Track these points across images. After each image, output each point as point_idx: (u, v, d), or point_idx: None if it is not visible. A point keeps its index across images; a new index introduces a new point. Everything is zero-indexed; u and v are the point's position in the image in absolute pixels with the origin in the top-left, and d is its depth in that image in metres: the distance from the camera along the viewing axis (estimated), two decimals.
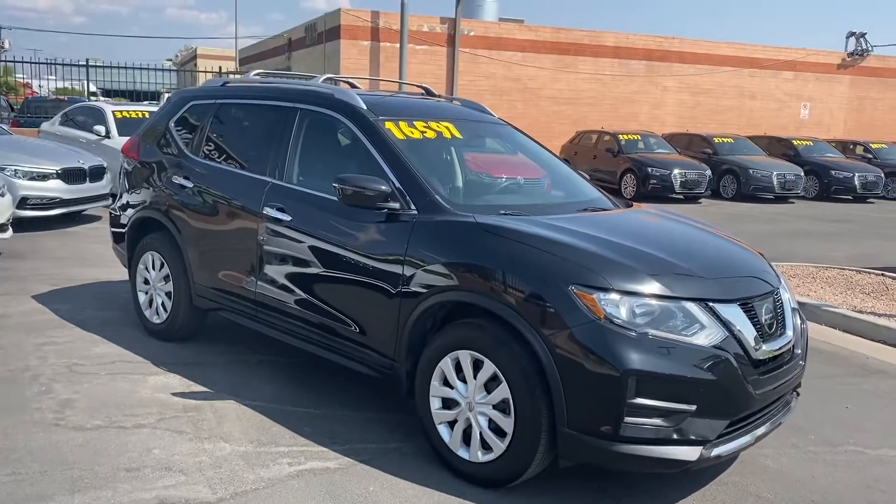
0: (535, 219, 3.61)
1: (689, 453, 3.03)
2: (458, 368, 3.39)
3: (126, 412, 3.95)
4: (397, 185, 3.73)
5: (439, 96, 5.16)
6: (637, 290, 3.08)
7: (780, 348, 3.37)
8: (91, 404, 4.02)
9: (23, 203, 8.86)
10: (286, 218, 4.14)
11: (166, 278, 5.05)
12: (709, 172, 17.37)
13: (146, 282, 5.25)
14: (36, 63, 20.18)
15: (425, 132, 4.14)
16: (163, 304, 5.11)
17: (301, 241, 4.06)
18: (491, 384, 3.27)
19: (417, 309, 3.50)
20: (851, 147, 22.15)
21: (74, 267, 7.18)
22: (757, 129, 23.33)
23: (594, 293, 3.03)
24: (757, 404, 3.23)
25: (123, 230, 5.42)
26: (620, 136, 18.55)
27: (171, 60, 69.93)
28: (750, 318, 3.24)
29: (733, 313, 3.18)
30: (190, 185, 4.82)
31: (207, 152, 4.87)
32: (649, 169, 17.03)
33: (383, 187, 3.64)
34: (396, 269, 3.59)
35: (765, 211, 16.26)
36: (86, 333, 5.23)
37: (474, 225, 3.46)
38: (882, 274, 8.42)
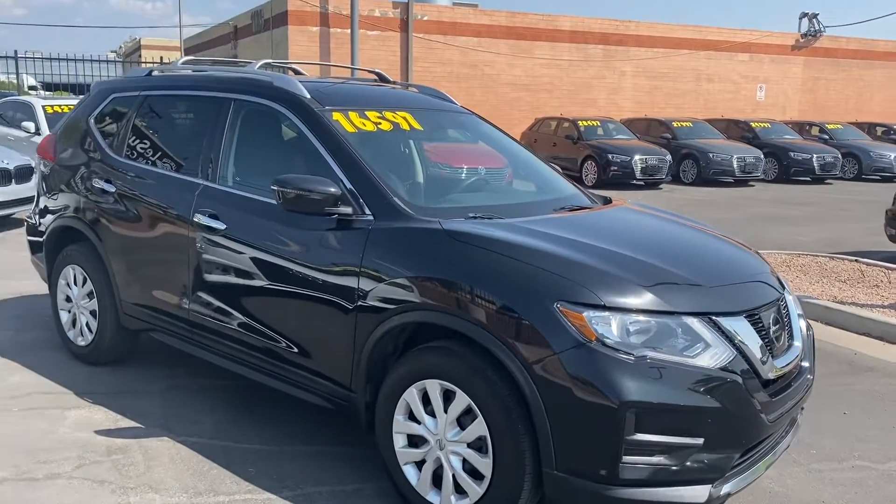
0: (509, 222, 3.14)
1: (697, 494, 2.60)
2: (426, 400, 2.90)
3: (39, 458, 3.38)
4: (348, 186, 3.22)
5: (394, 83, 4.64)
6: (632, 305, 2.63)
7: (789, 363, 2.96)
8: None
9: None
10: (220, 226, 3.60)
11: (90, 295, 4.46)
12: (669, 158, 17.14)
13: (68, 299, 4.65)
14: None
15: (380, 123, 3.62)
16: (87, 324, 4.52)
17: (239, 253, 3.53)
18: (465, 419, 2.80)
19: (377, 331, 3.01)
20: (808, 128, 22.18)
21: (2, 279, 6.49)
22: (714, 112, 23.25)
23: (583, 311, 2.57)
24: (769, 430, 2.82)
25: (41, 240, 4.80)
26: (580, 123, 18.20)
27: (115, 52, 67.65)
28: (758, 332, 2.82)
29: (740, 327, 2.75)
30: (112, 189, 4.24)
31: (131, 152, 4.28)
32: (610, 156, 16.73)
33: (332, 189, 3.13)
34: (351, 284, 3.08)
35: (726, 195, 16.08)
36: (1, 360, 4.61)
37: (440, 232, 2.97)
38: (856, 260, 8.17)
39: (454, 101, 4.51)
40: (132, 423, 3.79)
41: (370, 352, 3.04)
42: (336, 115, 3.52)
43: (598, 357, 2.53)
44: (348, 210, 3.16)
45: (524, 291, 2.68)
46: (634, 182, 16.75)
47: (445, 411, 2.84)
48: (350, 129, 3.48)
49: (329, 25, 18.50)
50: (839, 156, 19.42)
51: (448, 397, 2.83)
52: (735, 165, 17.74)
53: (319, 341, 3.27)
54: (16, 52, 15.59)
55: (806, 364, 3.16)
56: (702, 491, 2.60)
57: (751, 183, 18.61)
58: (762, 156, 18.36)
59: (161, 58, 25.16)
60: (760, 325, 2.86)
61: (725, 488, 2.67)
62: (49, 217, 4.71)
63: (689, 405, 2.56)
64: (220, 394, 4.17)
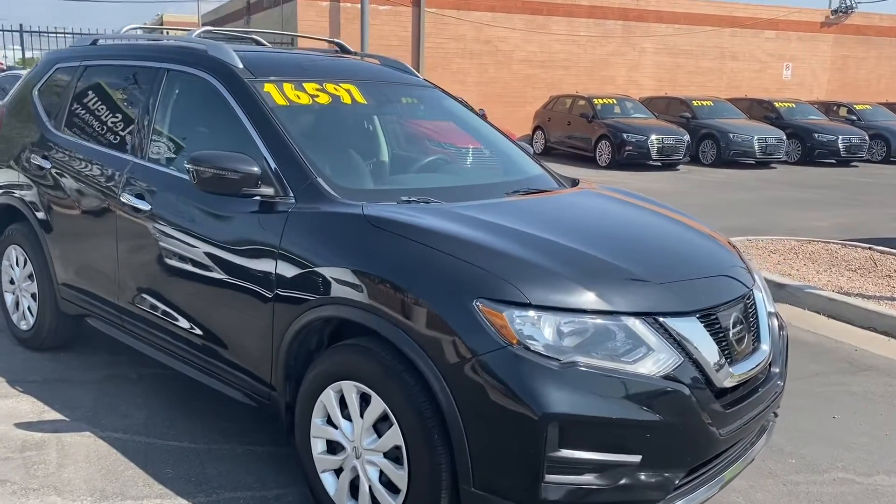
0: (442, 208, 2.82)
1: None
2: (344, 403, 2.62)
3: None
4: (272, 164, 2.92)
5: (355, 54, 4.31)
6: (564, 304, 2.31)
7: (752, 369, 2.62)
8: None
9: None
10: (145, 206, 3.33)
11: (30, 277, 4.23)
12: (687, 138, 16.60)
13: (12, 281, 4.43)
14: None
15: (317, 96, 3.31)
16: (29, 307, 4.29)
17: (164, 236, 3.25)
18: (382, 425, 2.51)
19: (294, 324, 2.72)
20: (835, 108, 21.39)
21: None
22: (738, 92, 22.55)
23: (505, 310, 2.26)
24: (722, 445, 2.49)
25: None
26: (595, 101, 17.69)
27: (142, 29, 67.58)
28: (713, 334, 2.49)
29: (691, 329, 2.42)
30: (48, 165, 3.99)
31: (68, 126, 4.02)
32: (625, 135, 16.23)
33: (252, 168, 2.83)
34: (269, 272, 2.79)
35: (745, 177, 15.54)
36: None
37: (359, 218, 2.66)
38: (869, 247, 7.72)
39: (416, 73, 4.18)
40: (57, 416, 3.56)
41: (288, 347, 2.76)
42: (268, 87, 3.22)
43: (519, 362, 2.22)
44: (270, 191, 2.87)
45: (442, 286, 2.37)
46: (650, 163, 16.26)
47: (361, 416, 2.55)
48: (281, 101, 3.18)
49: (339, 0, 18.12)
50: (866, 137, 18.70)
51: (365, 401, 2.55)
52: (756, 146, 17.14)
53: (240, 334, 2.99)
54: (21, 25, 15.45)
55: (776, 370, 2.83)
56: None
57: (772, 165, 18.00)
58: (784, 137, 17.73)
59: (165, 33, 24.86)
60: (717, 326, 2.52)
61: None
62: None
63: (624, 418, 2.24)
64: (158, 385, 3.92)
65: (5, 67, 17.90)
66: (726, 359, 2.51)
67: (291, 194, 2.85)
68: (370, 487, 2.56)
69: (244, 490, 2.99)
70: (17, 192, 4.22)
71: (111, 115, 3.84)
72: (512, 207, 3.04)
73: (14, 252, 4.34)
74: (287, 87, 3.27)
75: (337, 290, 2.58)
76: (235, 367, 3.04)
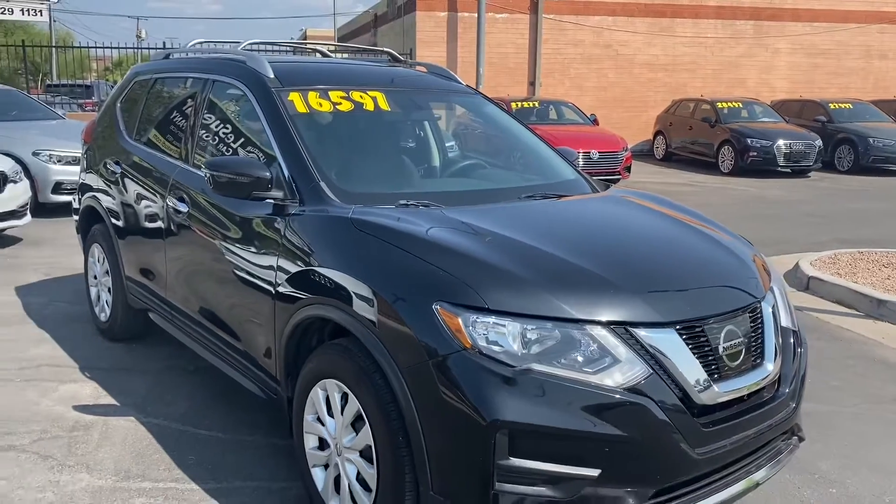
0: (433, 212, 2.84)
1: None
2: (330, 401, 2.70)
3: (7, 429, 3.51)
4: (284, 169, 3.06)
5: (404, 62, 4.41)
6: (525, 310, 2.27)
7: (746, 386, 2.46)
8: None
9: (57, 188, 8.81)
10: (184, 209, 3.57)
11: (107, 272, 4.62)
12: (819, 142, 15.52)
13: (95, 276, 4.85)
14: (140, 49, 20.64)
15: (339, 104, 3.41)
16: (106, 300, 4.69)
17: (197, 236, 3.48)
18: (358, 424, 2.57)
19: (291, 321, 2.83)
20: None
21: (78, 255, 6.89)
22: (886, 93, 20.79)
23: (461, 314, 2.25)
24: (702, 466, 2.35)
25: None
26: (719, 105, 16.90)
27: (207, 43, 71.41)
28: (696, 348, 2.36)
29: (666, 341, 2.31)
30: (119, 170, 4.35)
31: (137, 134, 4.37)
32: (749, 140, 15.41)
33: (262, 173, 2.98)
34: (272, 271, 2.93)
35: (884, 186, 14.32)
36: (37, 331, 4.89)
37: (346, 221, 2.73)
38: None
39: (460, 80, 4.21)
40: (110, 401, 3.86)
41: (286, 343, 2.88)
42: (292, 96, 3.36)
43: (473, 367, 2.21)
44: (279, 194, 3.00)
45: (407, 288, 2.39)
46: (777, 169, 15.33)
47: (342, 414, 2.62)
48: (302, 109, 3.31)
49: (457, 10, 18.35)
50: None
51: (345, 400, 2.61)
52: None
53: (252, 329, 3.15)
54: (164, 44, 16.75)
55: (785, 389, 2.63)
56: None
57: None
58: None
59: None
60: (703, 339, 2.39)
61: None
62: (83, 195, 4.92)
63: (581, 430, 2.17)
64: (209, 378, 4.16)
65: None
66: (713, 374, 2.38)
67: (298, 198, 2.96)
68: (349, 485, 2.61)
69: (253, 480, 3.13)
70: (98, 195, 4.62)
71: (167, 123, 4.14)
72: (512, 212, 3.01)
73: (96, 250, 4.75)
74: (312, 95, 3.40)
75: (323, 290, 2.66)
76: (250, 361, 3.20)
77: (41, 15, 25.05)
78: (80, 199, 5.00)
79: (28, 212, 7.53)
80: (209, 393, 3.98)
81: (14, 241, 7.66)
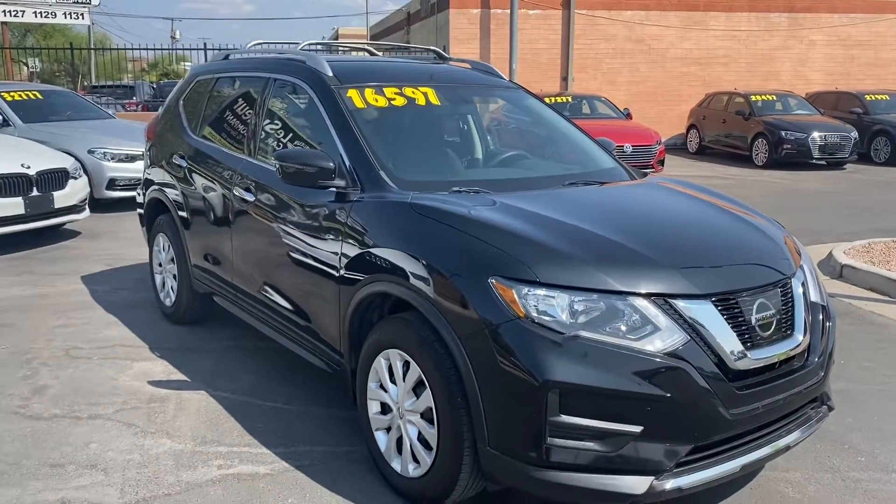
0: (485, 197, 3.08)
1: (635, 484, 2.44)
2: (392, 369, 2.96)
3: (91, 401, 3.84)
4: (346, 159, 3.33)
5: (450, 59, 4.66)
6: (571, 282, 2.51)
7: (777, 355, 2.67)
8: (62, 391, 3.95)
9: (111, 184, 9.23)
10: (250, 198, 3.86)
11: (172, 260, 4.94)
12: (854, 134, 15.45)
13: (160, 264, 5.18)
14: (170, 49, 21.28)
15: (393, 99, 3.68)
16: (171, 286, 5.02)
17: (261, 223, 3.77)
18: (419, 389, 2.83)
19: (355, 299, 3.10)
20: None
21: (136, 247, 7.29)
22: None
23: (514, 286, 2.50)
24: (737, 426, 2.57)
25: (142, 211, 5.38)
26: (753, 98, 16.88)
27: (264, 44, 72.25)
28: (731, 318, 2.58)
29: (703, 312, 2.53)
30: (185, 164, 4.66)
31: (202, 130, 4.67)
32: (783, 132, 15.39)
33: (326, 164, 3.25)
34: (336, 252, 3.20)
35: None
36: (106, 315, 5.25)
37: (406, 205, 3.00)
38: None
39: (502, 76, 4.45)
40: (181, 377, 4.18)
41: (350, 319, 3.14)
42: (351, 92, 3.63)
43: (526, 334, 2.45)
44: (342, 183, 3.27)
45: (466, 265, 2.65)
46: (812, 161, 15.31)
47: (404, 381, 2.88)
48: (360, 104, 3.58)
49: (490, 7, 18.54)
50: None
51: (407, 367, 2.87)
52: None
53: (318, 308, 3.42)
54: (204, 44, 17.23)
55: (815, 359, 2.83)
56: (640, 482, 2.44)
57: None
58: None
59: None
60: (737, 310, 2.61)
61: (674, 483, 2.47)
62: (146, 190, 5.26)
63: (624, 390, 2.41)
64: (270, 356, 4.46)
65: None
66: (746, 343, 2.59)
67: (359, 185, 3.23)
68: (410, 445, 2.88)
69: (319, 445, 3.41)
70: (164, 188, 4.95)
71: (231, 119, 4.44)
72: (556, 197, 3.24)
73: (161, 239, 5.08)
74: (368, 91, 3.67)
75: (385, 269, 2.92)
76: (315, 337, 3.48)
77: (83, 18, 25.73)
78: (144, 193, 5.32)
79: (87, 206, 7.93)
80: (270, 370, 4.27)
81: (74, 234, 8.08)
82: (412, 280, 2.77)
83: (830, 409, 3.05)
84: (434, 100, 3.80)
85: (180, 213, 4.71)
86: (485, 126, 4.22)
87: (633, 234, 2.78)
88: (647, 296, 2.51)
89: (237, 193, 3.98)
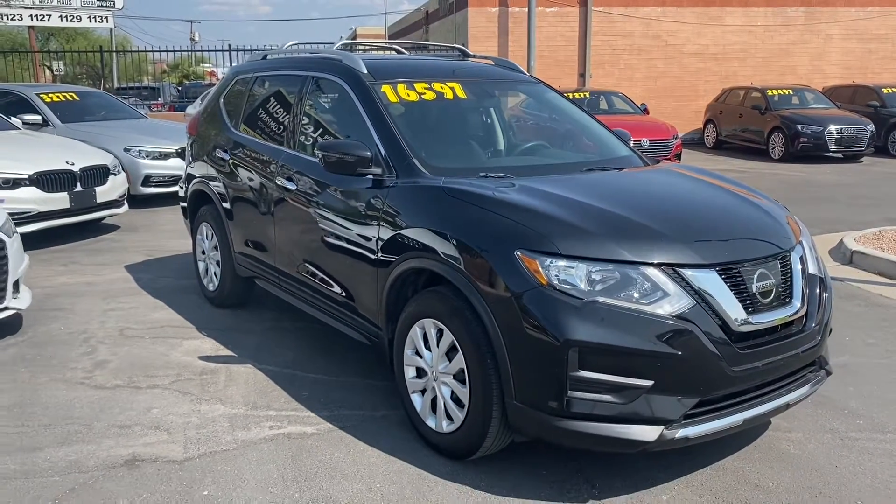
0: (510, 181, 3.39)
1: (647, 433, 2.75)
2: (426, 337, 3.28)
3: (148, 373, 4.20)
4: (381, 149, 3.65)
5: (473, 56, 4.98)
6: (589, 254, 2.81)
7: (776, 320, 2.96)
8: (121, 365, 4.32)
9: (147, 181, 9.62)
10: (292, 187, 4.19)
11: (216, 248, 5.29)
12: (871, 128, 15.56)
13: (203, 252, 5.54)
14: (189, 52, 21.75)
15: (424, 94, 4.00)
16: (214, 273, 5.37)
17: (304, 209, 4.10)
18: (452, 353, 3.14)
19: (391, 275, 3.42)
20: None
21: (174, 239, 7.70)
22: None
23: (538, 258, 2.81)
24: (739, 383, 2.86)
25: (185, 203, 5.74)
26: (769, 92, 17.03)
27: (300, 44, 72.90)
28: (733, 286, 2.87)
29: (708, 279, 2.83)
30: (228, 157, 5.00)
31: (243, 125, 5.02)
32: (799, 126, 15.54)
33: (364, 153, 3.57)
34: (373, 234, 3.53)
35: None
36: (152, 300, 5.61)
37: (438, 189, 3.32)
38: None
39: (524, 71, 4.76)
40: (228, 353, 4.52)
41: (387, 293, 3.47)
42: (385, 88, 3.95)
43: (549, 300, 2.76)
44: (378, 171, 3.60)
45: (494, 240, 2.96)
46: (828, 155, 15.44)
47: (437, 347, 3.20)
48: (393, 99, 3.90)
49: (508, 5, 18.84)
50: None
51: (440, 335, 3.19)
52: None
53: (357, 285, 3.74)
54: (229, 45, 17.64)
55: (812, 324, 3.11)
56: (651, 431, 2.74)
57: None
58: None
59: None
60: (739, 279, 2.90)
61: (682, 433, 2.77)
62: (189, 183, 5.62)
63: (636, 348, 2.71)
64: (308, 334, 4.80)
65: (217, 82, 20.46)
66: (748, 308, 2.88)
67: (394, 172, 3.55)
68: (444, 404, 3.19)
69: (359, 409, 3.74)
70: (207, 181, 5.30)
71: (271, 114, 4.78)
72: (574, 181, 3.54)
73: (205, 229, 5.44)
74: (400, 87, 3.99)
75: (420, 246, 3.24)
76: (354, 312, 3.80)
77: (107, 21, 26.30)
78: (186, 187, 5.68)
79: (125, 201, 8.33)
80: (310, 346, 4.61)
81: (113, 227, 8.48)
82: (445, 256, 3.09)
83: (828, 373, 3.33)
84: (461, 94, 4.12)
85: (223, 203, 5.06)
86: (506, 118, 4.53)
87: (644, 212, 3.09)
88: (658, 265, 2.81)
89: (279, 183, 4.31)
